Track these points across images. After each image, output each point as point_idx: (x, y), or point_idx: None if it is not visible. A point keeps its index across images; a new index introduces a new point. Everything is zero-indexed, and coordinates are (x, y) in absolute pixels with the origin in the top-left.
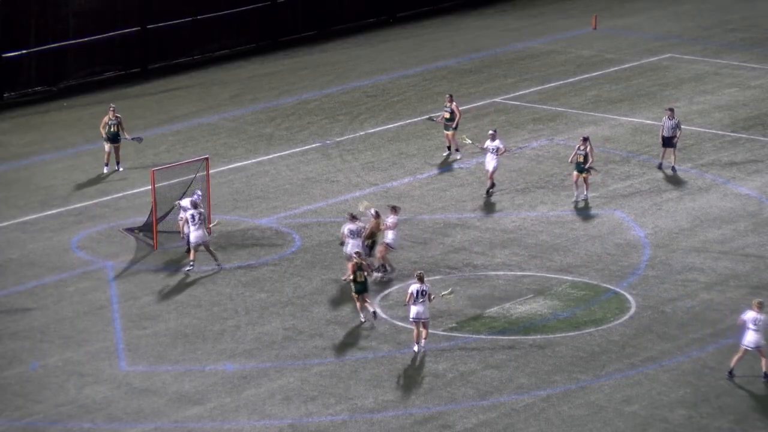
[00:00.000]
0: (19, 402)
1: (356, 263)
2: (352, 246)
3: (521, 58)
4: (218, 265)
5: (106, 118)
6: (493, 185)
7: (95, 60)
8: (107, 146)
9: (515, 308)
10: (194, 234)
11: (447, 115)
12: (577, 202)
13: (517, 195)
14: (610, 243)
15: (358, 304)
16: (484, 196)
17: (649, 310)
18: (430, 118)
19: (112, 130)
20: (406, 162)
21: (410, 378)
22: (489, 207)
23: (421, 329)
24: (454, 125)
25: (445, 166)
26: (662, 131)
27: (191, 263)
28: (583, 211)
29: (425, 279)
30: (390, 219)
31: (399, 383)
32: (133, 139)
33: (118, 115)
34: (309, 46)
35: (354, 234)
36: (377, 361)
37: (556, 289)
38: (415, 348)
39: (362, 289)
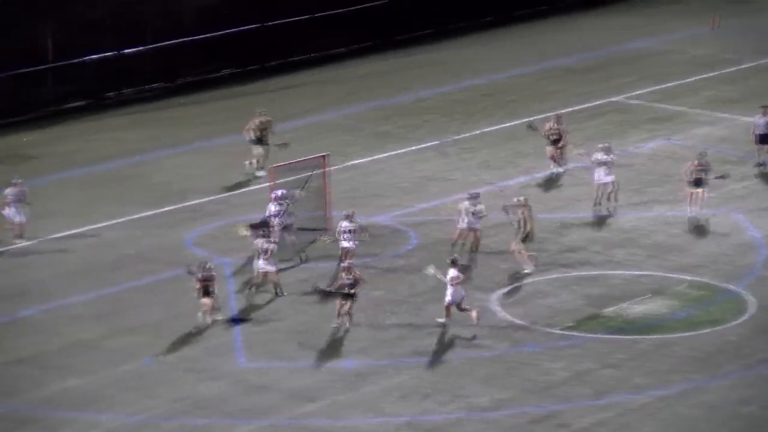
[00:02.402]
0: (134, 397)
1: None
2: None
3: (637, 57)
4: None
5: (253, 123)
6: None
7: (212, 57)
8: (255, 149)
9: (632, 308)
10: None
11: (553, 137)
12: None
13: (633, 195)
14: (726, 243)
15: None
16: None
17: (766, 311)
18: (531, 126)
19: (258, 134)
20: (521, 161)
21: (526, 377)
22: (605, 207)
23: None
24: (560, 145)
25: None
26: (756, 129)
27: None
28: (700, 213)
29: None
30: (451, 273)
31: (514, 382)
32: (279, 145)
33: (268, 119)
34: (424, 44)
35: (349, 233)
36: (492, 359)
37: (673, 289)
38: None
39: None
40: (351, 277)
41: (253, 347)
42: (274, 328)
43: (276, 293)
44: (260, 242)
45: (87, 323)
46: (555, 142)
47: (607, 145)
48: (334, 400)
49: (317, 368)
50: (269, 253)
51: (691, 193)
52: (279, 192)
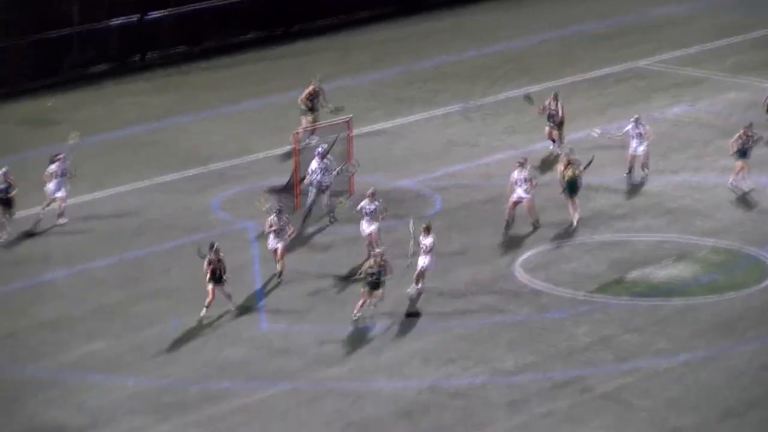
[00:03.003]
0: (159, 361)
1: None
2: (367, 226)
3: (661, 23)
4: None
5: (310, 89)
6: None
7: (235, 21)
8: (304, 119)
9: (656, 272)
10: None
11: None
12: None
13: (659, 160)
14: (752, 209)
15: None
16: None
17: None
18: (528, 97)
19: (308, 103)
20: (545, 125)
21: (549, 342)
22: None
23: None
24: (556, 123)
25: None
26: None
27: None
28: (724, 179)
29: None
30: (428, 241)
31: (537, 347)
32: (333, 110)
33: (317, 87)
34: (446, 10)
35: (370, 214)
36: (517, 324)
37: (697, 254)
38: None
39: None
40: (378, 266)
41: (277, 311)
42: (297, 292)
43: (279, 275)
44: (272, 218)
45: (110, 288)
46: (552, 119)
47: (637, 116)
48: (357, 364)
49: (340, 332)
50: (279, 231)
51: (739, 165)
52: (321, 148)
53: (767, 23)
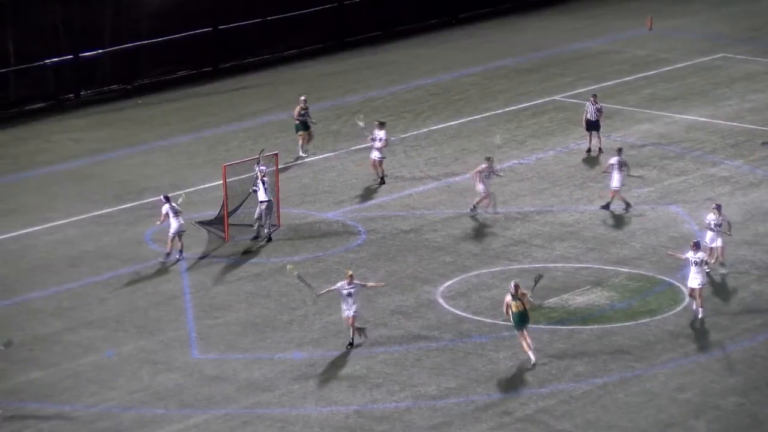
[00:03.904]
0: (95, 388)
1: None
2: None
3: (579, 57)
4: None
5: (298, 108)
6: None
7: (168, 59)
8: (299, 134)
9: (573, 299)
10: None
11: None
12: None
13: (575, 189)
14: (665, 236)
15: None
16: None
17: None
18: (359, 122)
19: (302, 119)
20: (467, 158)
21: (471, 366)
22: (547, 201)
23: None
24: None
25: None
26: (586, 115)
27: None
28: (640, 206)
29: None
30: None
31: (460, 371)
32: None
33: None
34: (373, 46)
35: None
36: (439, 350)
37: (612, 281)
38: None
39: (522, 321)
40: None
41: (208, 340)
42: (227, 320)
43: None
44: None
45: (48, 318)
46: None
47: (620, 148)
48: (287, 390)
49: (270, 359)
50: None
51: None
52: (263, 167)
53: (679, 58)
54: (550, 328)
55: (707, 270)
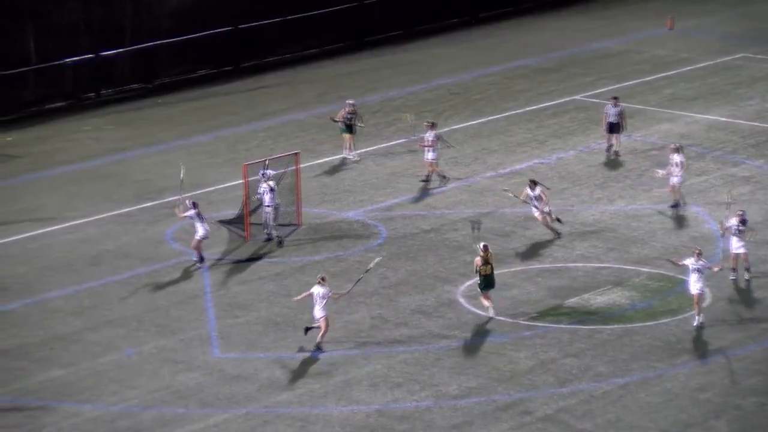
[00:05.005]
0: (115, 387)
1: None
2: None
3: (598, 57)
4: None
5: (342, 112)
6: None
7: (188, 58)
8: (345, 136)
9: (594, 299)
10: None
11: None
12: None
13: (595, 189)
14: (685, 236)
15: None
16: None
17: (722, 301)
18: (408, 120)
19: (347, 123)
20: (487, 157)
21: (492, 366)
22: (568, 201)
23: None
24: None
25: (526, 161)
26: (606, 117)
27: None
28: (661, 206)
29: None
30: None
31: (481, 371)
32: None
33: (354, 107)
34: (393, 45)
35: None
36: (460, 349)
37: (633, 281)
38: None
39: (489, 285)
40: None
41: (229, 339)
42: (248, 319)
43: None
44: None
45: (68, 317)
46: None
47: (678, 145)
48: (307, 390)
49: (291, 358)
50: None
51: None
52: (269, 171)
53: (700, 58)
54: (571, 328)
55: (733, 277)
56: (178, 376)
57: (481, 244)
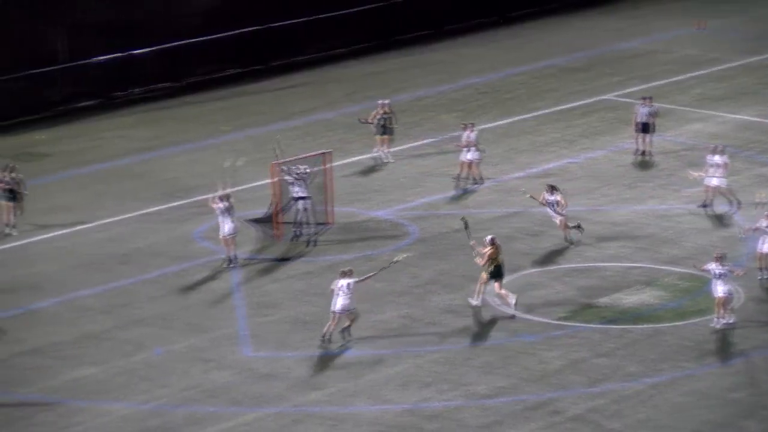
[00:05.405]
0: (145, 386)
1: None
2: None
3: (627, 56)
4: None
5: (374, 113)
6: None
7: (216, 57)
8: (378, 138)
9: (624, 298)
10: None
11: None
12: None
13: (625, 189)
14: (715, 236)
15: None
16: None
17: (752, 302)
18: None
19: (382, 124)
20: (516, 157)
21: (522, 365)
22: (597, 201)
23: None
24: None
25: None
26: (636, 117)
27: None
28: (690, 206)
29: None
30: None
31: (511, 370)
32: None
33: (387, 108)
34: (421, 45)
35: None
36: (490, 348)
37: (663, 281)
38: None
39: (499, 274)
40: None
41: (258, 337)
42: (278, 318)
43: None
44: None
45: (98, 315)
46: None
47: (719, 146)
48: (337, 389)
49: (321, 357)
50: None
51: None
52: (299, 168)
53: (728, 57)
54: (602, 328)
55: (761, 277)
56: (208, 375)
57: (488, 238)
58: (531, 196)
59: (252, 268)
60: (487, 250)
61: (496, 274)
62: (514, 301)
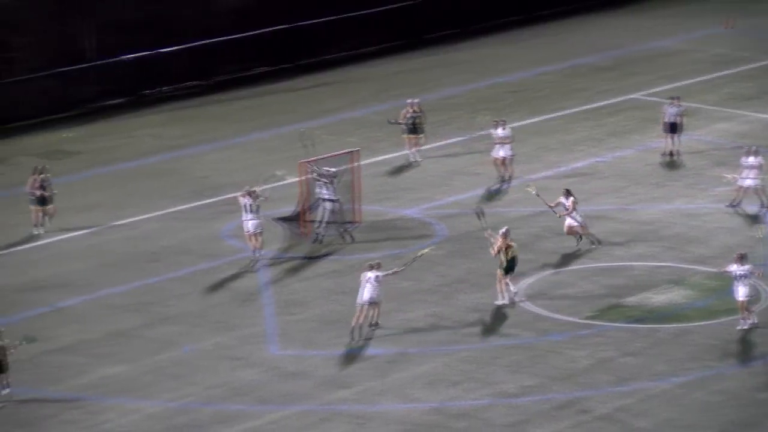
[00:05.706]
0: (173, 384)
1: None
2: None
3: (655, 55)
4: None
5: (403, 112)
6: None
7: (245, 56)
8: (405, 137)
9: (652, 298)
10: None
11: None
12: None
13: (653, 188)
14: (743, 235)
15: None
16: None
17: None
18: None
19: (411, 123)
20: (546, 155)
21: (550, 364)
22: (626, 200)
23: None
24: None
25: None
26: (665, 117)
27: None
28: (719, 205)
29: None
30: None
31: (539, 369)
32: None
33: (417, 108)
34: (449, 44)
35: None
36: (518, 347)
37: (691, 280)
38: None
39: (511, 268)
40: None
41: (286, 336)
42: (306, 317)
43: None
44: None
45: (127, 313)
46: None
47: (754, 147)
48: (365, 387)
49: (349, 356)
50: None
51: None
52: (332, 169)
53: (758, 57)
54: (630, 327)
55: None
56: (235, 373)
57: (502, 230)
58: (538, 194)
59: (279, 266)
60: (497, 241)
61: (509, 269)
62: (515, 290)
